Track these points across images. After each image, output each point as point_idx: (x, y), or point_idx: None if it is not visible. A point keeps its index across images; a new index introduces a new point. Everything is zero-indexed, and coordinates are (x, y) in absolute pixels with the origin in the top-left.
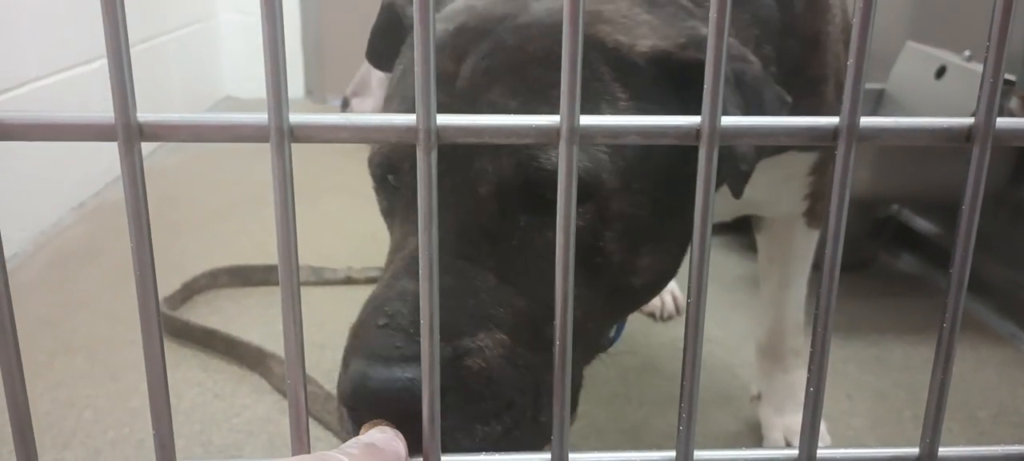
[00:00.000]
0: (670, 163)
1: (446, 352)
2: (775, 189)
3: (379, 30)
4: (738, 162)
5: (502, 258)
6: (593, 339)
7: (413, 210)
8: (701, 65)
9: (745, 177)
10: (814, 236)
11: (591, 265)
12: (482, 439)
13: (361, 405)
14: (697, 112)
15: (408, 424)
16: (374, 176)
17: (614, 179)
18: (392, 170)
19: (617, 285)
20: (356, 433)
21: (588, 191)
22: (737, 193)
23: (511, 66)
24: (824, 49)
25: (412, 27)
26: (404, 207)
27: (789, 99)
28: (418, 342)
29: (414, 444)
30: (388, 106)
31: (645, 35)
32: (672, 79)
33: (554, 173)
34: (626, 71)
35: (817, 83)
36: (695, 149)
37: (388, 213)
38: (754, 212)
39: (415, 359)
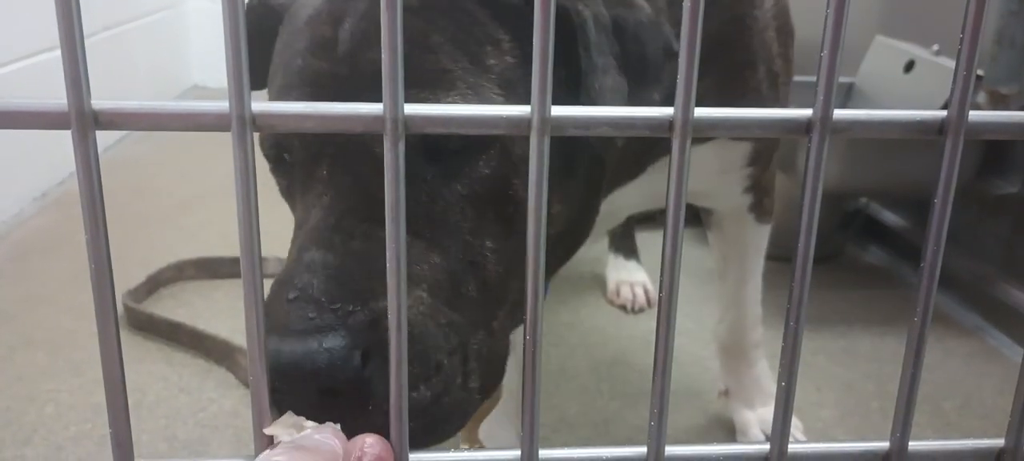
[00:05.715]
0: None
1: (360, 318)
2: (712, 181)
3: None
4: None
5: (411, 215)
6: (518, 298)
7: (310, 184)
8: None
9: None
10: (765, 230)
11: (504, 216)
12: (412, 407)
13: (280, 385)
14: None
15: (332, 399)
16: (268, 157)
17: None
18: (286, 149)
19: None
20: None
21: (491, 136)
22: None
23: None
24: (750, 32)
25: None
26: (302, 183)
27: (676, 48)
28: (332, 311)
29: (349, 423)
30: (278, 91)
31: None
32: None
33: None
34: (501, 11)
35: (743, 67)
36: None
37: (288, 193)
38: (695, 202)
39: (331, 328)
